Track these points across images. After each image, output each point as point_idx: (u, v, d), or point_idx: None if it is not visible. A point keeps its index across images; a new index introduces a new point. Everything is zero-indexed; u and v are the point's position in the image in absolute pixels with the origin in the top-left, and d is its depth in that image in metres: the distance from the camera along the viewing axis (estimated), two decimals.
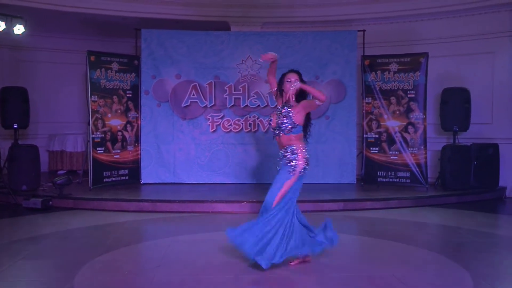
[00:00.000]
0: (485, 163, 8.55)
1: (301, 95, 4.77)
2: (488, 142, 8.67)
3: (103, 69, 8.71)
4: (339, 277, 4.41)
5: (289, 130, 4.68)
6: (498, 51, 8.97)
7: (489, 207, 7.94)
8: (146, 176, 9.28)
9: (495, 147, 8.63)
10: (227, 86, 9.35)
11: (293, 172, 4.66)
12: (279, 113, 4.76)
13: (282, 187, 4.68)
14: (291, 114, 4.68)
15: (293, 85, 4.68)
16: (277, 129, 4.75)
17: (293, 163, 4.65)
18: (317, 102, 4.64)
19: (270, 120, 4.82)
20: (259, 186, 9.01)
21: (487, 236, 6.00)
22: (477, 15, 9.10)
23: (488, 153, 8.57)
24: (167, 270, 4.63)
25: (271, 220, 4.60)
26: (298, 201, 7.64)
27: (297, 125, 4.71)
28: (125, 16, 9.55)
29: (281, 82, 4.81)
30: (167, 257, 5.08)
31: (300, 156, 4.67)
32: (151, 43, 9.24)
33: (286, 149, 4.72)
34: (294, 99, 4.77)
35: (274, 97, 4.96)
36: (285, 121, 4.68)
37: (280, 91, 4.82)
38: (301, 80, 4.75)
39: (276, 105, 4.93)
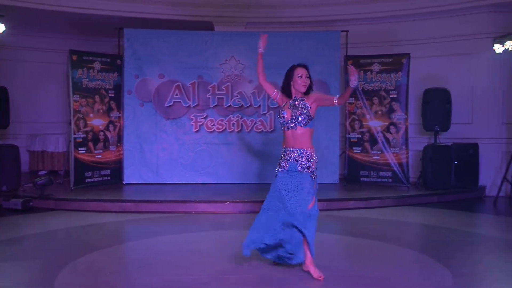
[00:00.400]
0: (466, 163, 8.65)
1: (308, 88, 4.62)
2: (468, 142, 8.78)
3: (85, 69, 8.64)
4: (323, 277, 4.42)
5: (306, 122, 4.50)
6: (478, 52, 9.08)
7: (469, 206, 8.05)
8: (129, 176, 9.22)
9: (475, 147, 8.75)
10: (211, 86, 9.34)
11: (314, 176, 4.55)
12: (293, 106, 4.56)
13: (311, 193, 4.52)
14: (307, 106, 4.52)
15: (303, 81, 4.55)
16: (292, 122, 4.54)
17: (311, 169, 4.52)
18: (336, 102, 4.52)
19: (283, 113, 4.56)
20: (242, 186, 9.03)
21: (467, 235, 6.08)
22: (457, 17, 9.21)
23: (468, 153, 8.68)
24: (150, 271, 4.61)
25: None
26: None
27: (313, 118, 4.55)
28: (107, 15, 9.47)
29: (289, 78, 4.65)
30: (150, 258, 5.05)
31: (314, 161, 4.56)
32: (134, 43, 9.19)
33: (299, 152, 4.53)
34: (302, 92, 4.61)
35: (275, 99, 4.78)
36: (304, 112, 4.49)
37: (287, 87, 4.65)
38: (309, 74, 4.64)
39: (278, 105, 4.78)
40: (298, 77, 4.59)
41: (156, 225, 6.72)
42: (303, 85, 4.57)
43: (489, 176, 8.95)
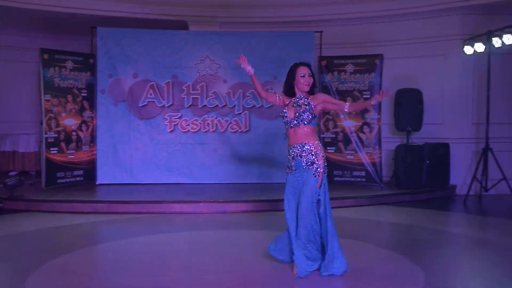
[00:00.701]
0: (437, 162, 8.81)
1: (311, 86, 4.60)
2: (440, 142, 8.94)
3: (57, 68, 8.51)
4: (290, 277, 4.45)
5: (309, 120, 4.48)
6: (449, 54, 9.25)
7: (440, 205, 8.20)
8: (102, 177, 9.12)
9: (446, 146, 8.91)
10: (185, 85, 9.29)
11: (317, 173, 4.48)
12: (297, 105, 4.53)
13: (316, 194, 4.50)
14: (312, 105, 4.51)
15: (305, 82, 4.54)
16: (295, 120, 4.51)
17: (315, 164, 4.45)
18: (347, 110, 4.57)
19: (286, 113, 4.54)
20: (217, 186, 9.02)
21: (438, 233, 6.19)
22: (429, 19, 9.37)
23: (439, 153, 8.84)
24: (124, 272, 4.57)
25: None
26: (254, 201, 7.70)
27: (316, 116, 4.54)
28: (80, 14, 9.33)
29: (291, 78, 4.61)
30: (124, 259, 5.01)
31: (320, 155, 4.50)
32: (107, 42, 9.09)
33: (302, 147, 4.50)
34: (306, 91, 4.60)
35: (279, 104, 4.71)
36: (307, 109, 4.48)
37: (290, 87, 4.61)
38: (312, 72, 4.63)
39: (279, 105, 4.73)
40: (301, 76, 4.57)
41: (130, 226, 6.66)
42: (306, 84, 4.55)
43: (459, 175, 9.13)
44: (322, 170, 4.50)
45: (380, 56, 8.96)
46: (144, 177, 9.21)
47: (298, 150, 4.53)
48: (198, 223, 6.78)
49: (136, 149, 9.21)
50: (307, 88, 4.56)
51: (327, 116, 9.27)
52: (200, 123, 9.34)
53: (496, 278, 4.45)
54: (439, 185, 8.87)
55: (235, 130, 9.39)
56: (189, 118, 9.32)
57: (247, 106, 9.38)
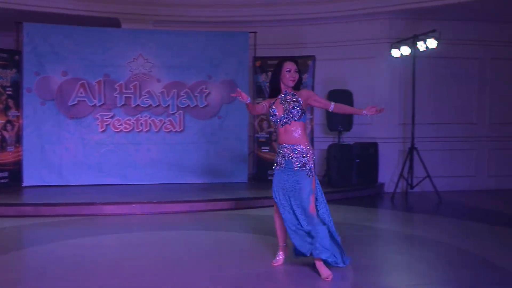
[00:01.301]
0: (366, 161, 9.12)
1: (297, 83, 4.56)
2: (369, 142, 9.26)
3: None
4: (229, 276, 4.48)
5: (299, 116, 4.45)
6: (378, 56, 9.59)
7: (369, 202, 8.49)
8: (29, 179, 8.76)
9: (375, 146, 9.25)
10: (118, 84, 9.10)
11: (311, 174, 4.46)
12: (284, 101, 4.49)
13: (311, 192, 4.45)
14: (300, 100, 4.47)
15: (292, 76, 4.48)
16: (285, 117, 4.46)
17: (308, 166, 4.44)
18: (332, 110, 4.53)
19: (274, 111, 4.47)
20: (151, 186, 8.90)
21: (367, 230, 6.41)
22: (359, 22, 9.67)
23: (368, 152, 9.16)
24: (52, 277, 4.41)
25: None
26: (190, 201, 7.66)
27: (305, 112, 4.52)
28: (4, 8, 8.89)
29: (277, 74, 4.54)
30: (52, 263, 4.84)
31: (310, 156, 4.48)
32: (34, 38, 8.74)
33: (293, 149, 4.47)
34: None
35: (266, 111, 4.60)
36: (296, 105, 4.44)
37: (276, 83, 4.56)
38: (298, 69, 4.57)
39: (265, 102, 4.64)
40: (287, 71, 4.51)
41: (59, 229, 6.43)
42: (291, 79, 4.50)
43: (387, 173, 9.51)
44: (314, 169, 4.53)
45: (312, 58, 9.17)
46: (74, 179, 8.93)
47: (288, 150, 4.50)
48: (131, 225, 6.65)
49: (65, 149, 8.91)
50: (292, 83, 4.52)
51: (261, 116, 9.37)
52: (133, 122, 9.18)
53: (420, 271, 4.68)
54: (368, 183, 9.18)
55: (169, 130, 9.30)
56: (121, 117, 9.13)
57: (182, 106, 9.32)
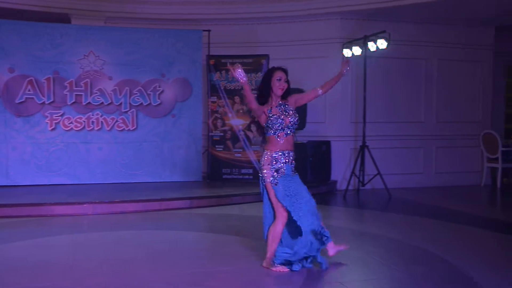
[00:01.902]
0: (319, 159, 9.25)
1: (285, 92, 4.58)
2: (322, 140, 9.40)
3: None
4: (183, 275, 4.45)
5: (295, 128, 4.58)
6: (330, 56, 9.71)
7: (322, 199, 8.60)
8: None
9: (328, 144, 9.40)
10: (68, 82, 8.87)
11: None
12: (286, 113, 4.52)
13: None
14: (295, 112, 4.56)
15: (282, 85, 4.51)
16: (289, 128, 4.51)
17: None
18: (321, 93, 4.62)
19: (282, 120, 4.46)
20: (103, 186, 8.73)
21: None
22: (312, 22, 9.80)
23: (321, 150, 9.29)
24: (0, 280, 4.27)
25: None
26: (143, 201, 7.56)
27: None
28: None
29: (268, 82, 4.54)
30: (0, 265, 4.67)
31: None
32: None
33: (290, 154, 4.55)
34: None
35: (261, 114, 4.57)
36: (295, 119, 4.53)
37: (267, 91, 4.54)
38: (287, 78, 4.58)
39: (266, 109, 4.55)
40: (277, 79, 4.52)
41: (6, 231, 6.20)
42: (280, 88, 4.51)
43: (339, 171, 9.69)
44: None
45: (266, 57, 9.23)
46: (22, 179, 8.65)
47: (290, 156, 4.55)
48: (83, 226, 6.51)
49: (12, 148, 8.62)
50: (280, 92, 4.54)
51: (216, 114, 9.37)
52: (84, 121, 8.97)
53: (373, 266, 4.80)
54: (322, 180, 9.33)
55: (121, 128, 9.15)
56: (72, 116, 8.91)
57: (134, 104, 9.18)
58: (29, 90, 8.67)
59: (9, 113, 8.59)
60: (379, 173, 8.90)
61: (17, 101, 8.62)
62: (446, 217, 7.22)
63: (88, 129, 8.99)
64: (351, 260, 5.02)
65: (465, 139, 10.39)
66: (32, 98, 8.70)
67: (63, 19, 9.39)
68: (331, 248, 4.74)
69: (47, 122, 8.79)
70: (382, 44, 8.67)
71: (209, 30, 9.57)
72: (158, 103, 9.28)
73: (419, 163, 10.21)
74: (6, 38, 8.54)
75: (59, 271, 4.53)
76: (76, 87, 8.91)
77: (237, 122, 9.30)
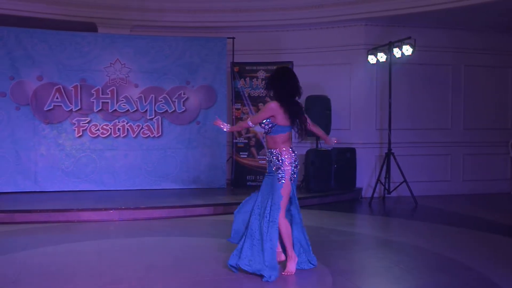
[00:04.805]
0: (344, 166, 9.19)
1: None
2: (347, 147, 9.33)
3: None
4: (207, 281, 4.45)
5: None
6: (355, 63, 9.70)
7: (347, 207, 8.56)
8: (3, 185, 8.59)
9: (352, 151, 9.32)
10: (94, 89, 9.01)
11: None
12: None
13: None
14: None
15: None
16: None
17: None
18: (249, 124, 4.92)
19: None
20: (128, 192, 8.82)
21: (345, 234, 6.45)
22: (336, 28, 9.78)
23: (346, 157, 9.23)
24: (25, 285, 4.33)
25: None
26: (168, 207, 7.60)
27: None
28: None
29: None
30: (27, 271, 4.75)
31: None
32: (8, 42, 8.60)
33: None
34: None
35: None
36: None
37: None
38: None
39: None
40: None
41: (34, 236, 6.31)
42: None
43: (365, 178, 9.60)
44: None
45: (290, 63, 9.21)
46: (49, 185, 8.80)
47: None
48: (109, 232, 6.58)
49: (41, 155, 8.78)
50: None
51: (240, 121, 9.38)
52: (110, 128, 9.09)
53: (398, 276, 4.72)
54: (346, 188, 9.25)
55: (147, 135, 9.24)
56: (98, 123, 9.04)
57: (159, 111, 9.27)
58: (57, 98, 8.84)
59: (37, 120, 8.76)
60: (405, 181, 8.78)
61: (45, 109, 8.78)
62: (473, 225, 7.08)
63: (114, 136, 9.11)
64: (376, 268, 4.96)
65: (493, 146, 10.19)
66: (60, 105, 8.86)
67: (90, 28, 9.56)
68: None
69: (75, 129, 8.94)
70: (407, 50, 8.59)
71: (233, 38, 9.62)
72: (183, 110, 9.36)
73: (446, 171, 10.05)
74: (35, 47, 8.72)
75: (85, 277, 4.58)
76: (102, 94, 9.04)
77: (261, 129, 9.27)
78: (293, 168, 4.61)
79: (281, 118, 4.62)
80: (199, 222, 7.24)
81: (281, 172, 4.57)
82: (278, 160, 4.61)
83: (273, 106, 4.63)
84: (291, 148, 4.69)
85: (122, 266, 4.91)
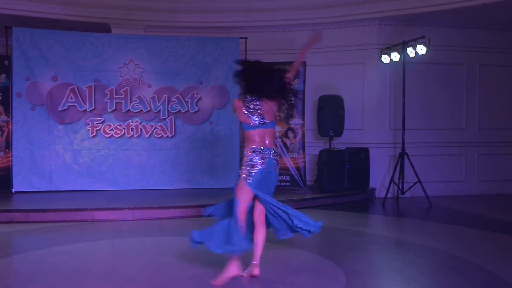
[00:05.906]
0: (357, 166, 9.14)
1: None
2: (360, 147, 9.29)
3: None
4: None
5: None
6: (368, 62, 9.64)
7: (360, 207, 8.52)
8: (19, 184, 8.68)
9: (366, 151, 9.28)
10: (108, 89, 9.07)
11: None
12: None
13: None
14: None
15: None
16: None
17: None
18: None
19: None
20: (142, 192, 8.86)
21: (358, 235, 6.42)
22: (349, 28, 9.73)
23: (359, 157, 9.18)
24: (40, 284, 4.36)
25: None
26: (181, 207, 7.63)
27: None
28: None
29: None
30: (42, 270, 4.79)
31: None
32: (23, 43, 8.68)
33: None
34: None
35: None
36: None
37: None
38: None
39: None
40: None
41: (48, 235, 6.37)
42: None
43: (378, 178, 9.55)
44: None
45: (303, 63, 9.19)
46: (64, 184, 8.87)
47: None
48: (122, 231, 6.62)
49: (55, 155, 8.85)
50: None
51: None
52: (124, 128, 9.14)
53: (411, 276, 4.69)
54: (360, 188, 9.21)
55: (160, 135, 9.28)
56: (112, 123, 9.09)
57: (172, 111, 9.30)
58: (71, 98, 8.91)
59: (52, 120, 8.84)
60: (419, 181, 8.72)
61: (60, 109, 8.86)
62: (488, 226, 7.02)
63: (128, 136, 9.16)
64: (390, 269, 4.94)
65: (508, 147, 10.08)
66: (74, 105, 8.92)
67: (104, 28, 9.62)
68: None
69: (89, 129, 9.00)
70: (421, 49, 8.53)
71: (246, 38, 9.62)
72: (195, 110, 9.38)
73: (461, 171, 9.96)
74: (49, 48, 8.80)
75: (99, 276, 4.61)
76: (116, 94, 9.10)
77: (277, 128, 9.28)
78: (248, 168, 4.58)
79: (241, 115, 4.54)
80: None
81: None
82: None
83: (234, 103, 4.62)
84: (253, 147, 4.58)
85: (135, 266, 4.93)
